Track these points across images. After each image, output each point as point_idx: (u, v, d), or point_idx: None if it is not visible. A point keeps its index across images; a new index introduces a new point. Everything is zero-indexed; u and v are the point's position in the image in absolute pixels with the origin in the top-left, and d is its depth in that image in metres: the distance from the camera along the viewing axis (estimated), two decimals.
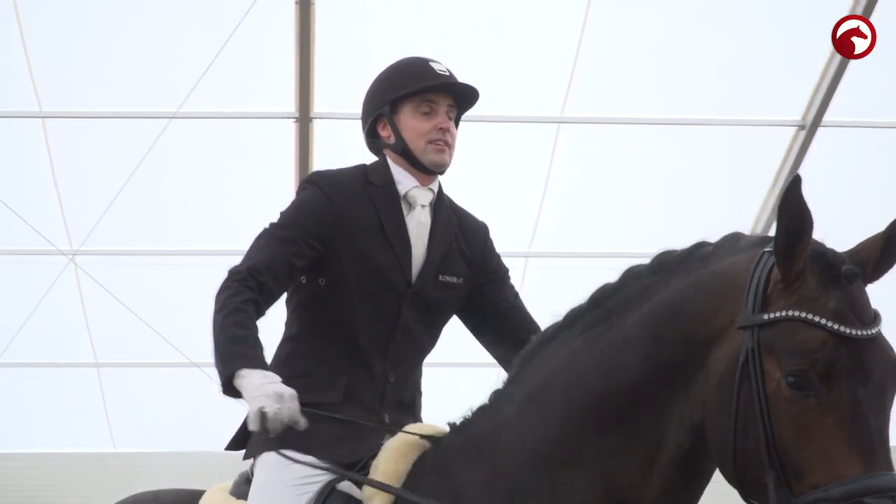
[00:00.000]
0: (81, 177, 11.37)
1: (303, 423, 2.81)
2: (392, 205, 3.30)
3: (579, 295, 2.90)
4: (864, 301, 2.45)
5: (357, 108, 3.54)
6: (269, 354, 3.08)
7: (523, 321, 3.48)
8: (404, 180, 3.34)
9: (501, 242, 3.65)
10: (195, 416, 12.82)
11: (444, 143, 3.30)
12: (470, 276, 3.38)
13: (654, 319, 2.66)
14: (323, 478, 3.02)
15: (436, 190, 3.39)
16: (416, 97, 3.31)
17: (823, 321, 2.36)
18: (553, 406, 2.80)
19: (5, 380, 13.40)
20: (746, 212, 10.88)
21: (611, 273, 2.90)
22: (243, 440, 3.22)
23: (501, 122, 10.39)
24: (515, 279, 3.69)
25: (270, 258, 3.12)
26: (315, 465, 3.02)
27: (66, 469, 13.86)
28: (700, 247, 2.72)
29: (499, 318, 3.45)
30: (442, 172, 3.37)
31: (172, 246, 12.13)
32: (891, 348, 2.45)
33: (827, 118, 10.30)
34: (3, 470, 13.80)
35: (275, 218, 3.25)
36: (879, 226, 2.50)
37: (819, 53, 9.89)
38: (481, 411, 3.03)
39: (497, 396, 3.01)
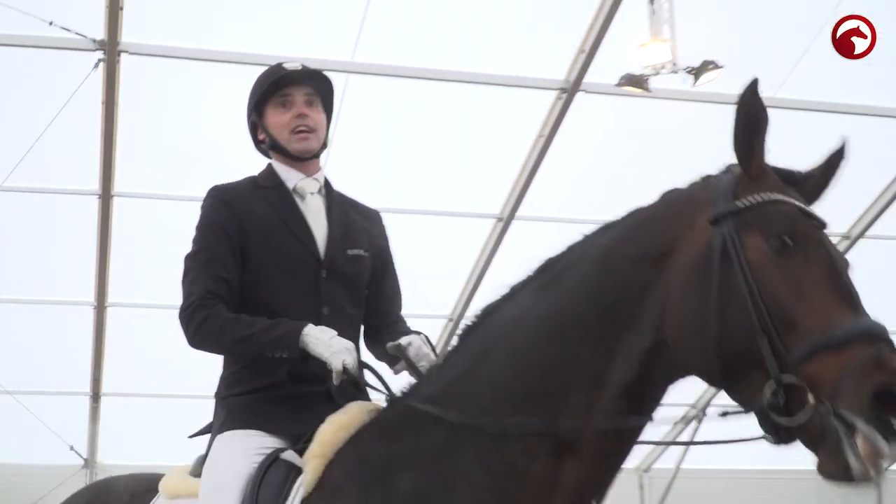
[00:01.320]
0: None
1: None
2: (285, 199, 3.61)
3: None
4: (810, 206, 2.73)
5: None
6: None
7: (397, 310, 3.87)
8: (290, 176, 3.64)
9: None
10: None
11: (305, 129, 3.59)
12: (371, 248, 3.67)
13: (604, 254, 2.85)
14: (269, 449, 3.27)
15: (321, 179, 3.69)
16: (273, 97, 3.62)
17: (795, 203, 2.64)
18: (503, 352, 2.95)
19: None
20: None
21: None
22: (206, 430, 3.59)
23: None
24: None
25: (206, 286, 3.43)
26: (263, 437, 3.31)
27: None
28: (637, 208, 2.96)
29: (379, 300, 3.75)
30: (310, 158, 3.66)
31: None
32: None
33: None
34: None
35: (188, 248, 3.55)
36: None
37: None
38: (417, 385, 3.23)
39: (436, 368, 3.25)
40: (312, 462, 3.12)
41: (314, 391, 3.35)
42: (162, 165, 10.37)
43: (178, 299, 3.52)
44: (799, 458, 2.59)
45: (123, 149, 9.82)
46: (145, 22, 8.93)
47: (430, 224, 11.09)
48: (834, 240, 10.86)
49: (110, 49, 8.84)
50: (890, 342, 2.37)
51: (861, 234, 11.80)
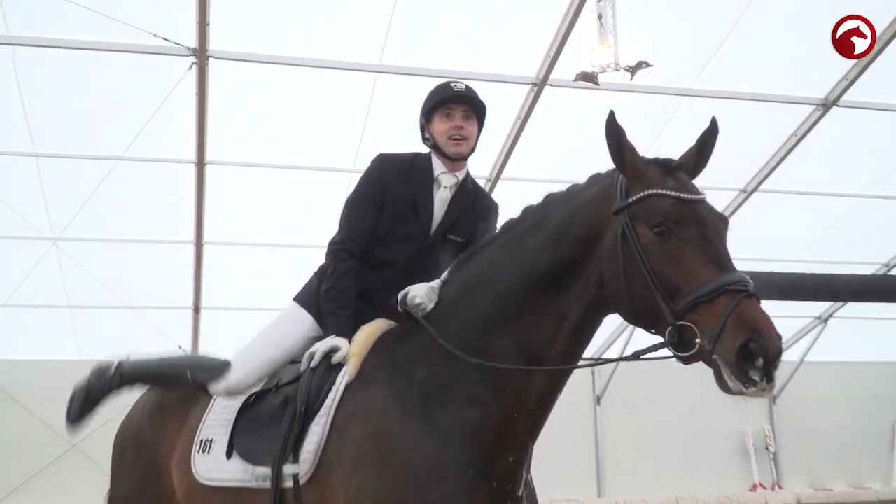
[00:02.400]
0: None
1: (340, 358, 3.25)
2: (425, 183, 3.61)
3: None
4: (690, 182, 2.76)
5: None
6: None
7: None
8: (437, 167, 3.63)
9: None
10: None
11: (459, 137, 3.57)
12: (470, 236, 3.64)
13: (557, 231, 2.91)
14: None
15: (461, 176, 3.65)
16: (440, 108, 3.61)
17: (669, 192, 2.67)
18: (484, 293, 3.01)
19: None
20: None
21: None
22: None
23: None
24: None
25: (348, 233, 3.56)
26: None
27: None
28: (574, 186, 3.04)
29: None
30: (462, 159, 3.64)
31: None
32: (714, 207, 2.74)
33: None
34: None
35: (350, 189, 3.71)
36: None
37: None
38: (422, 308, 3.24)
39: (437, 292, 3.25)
40: (353, 359, 3.15)
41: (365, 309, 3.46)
42: (245, 138, 10.18)
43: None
44: None
45: (212, 129, 9.65)
46: (226, 34, 8.71)
47: None
48: (733, 194, 10.86)
49: (200, 54, 8.70)
50: (748, 291, 2.47)
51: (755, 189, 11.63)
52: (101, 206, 10.41)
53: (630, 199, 2.68)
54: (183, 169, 10.28)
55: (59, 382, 14.01)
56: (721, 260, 2.55)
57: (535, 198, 3.24)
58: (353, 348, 3.18)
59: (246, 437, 3.22)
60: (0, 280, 11.55)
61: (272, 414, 3.18)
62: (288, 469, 2.96)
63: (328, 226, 3.87)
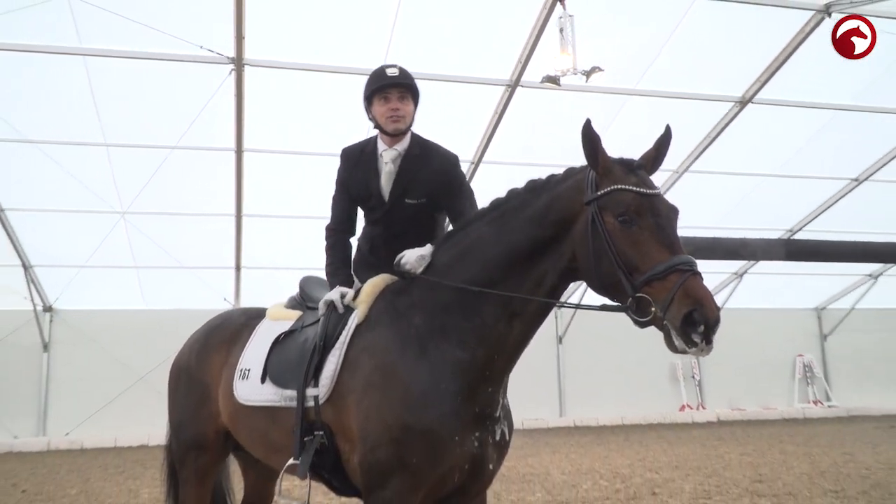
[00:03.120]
0: None
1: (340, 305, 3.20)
2: (374, 162, 3.43)
3: None
4: (649, 179, 2.71)
5: None
6: None
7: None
8: (381, 145, 3.43)
9: None
10: None
11: (396, 116, 3.35)
12: (430, 194, 3.39)
13: (538, 214, 2.85)
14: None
15: (401, 148, 3.41)
16: (377, 93, 3.39)
17: (631, 187, 2.63)
18: (474, 260, 2.95)
19: None
20: None
21: None
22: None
23: None
24: None
25: (334, 213, 3.49)
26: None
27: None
28: (553, 176, 2.93)
29: (452, 214, 3.44)
30: (401, 133, 3.40)
31: None
32: (667, 200, 2.70)
33: None
34: None
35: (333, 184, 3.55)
36: None
37: None
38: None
39: (430, 257, 3.14)
40: (361, 306, 3.09)
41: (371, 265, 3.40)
42: (275, 130, 10.13)
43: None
44: None
45: (248, 122, 9.64)
46: (259, 46, 8.63)
47: None
48: (667, 174, 10.78)
49: (238, 63, 8.62)
50: (693, 270, 2.47)
51: (686, 170, 11.61)
52: (160, 186, 10.38)
53: (599, 193, 2.65)
54: (224, 156, 10.24)
55: (129, 327, 14.25)
56: (672, 244, 2.54)
57: (511, 178, 3.16)
58: (362, 297, 3.12)
59: (276, 366, 3.20)
60: (81, 246, 11.55)
61: (297, 348, 3.17)
62: (310, 391, 2.96)
63: None
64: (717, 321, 2.37)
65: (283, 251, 11.94)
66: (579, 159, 2.81)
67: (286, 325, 3.37)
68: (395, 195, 3.38)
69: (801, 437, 12.49)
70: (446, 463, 2.76)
